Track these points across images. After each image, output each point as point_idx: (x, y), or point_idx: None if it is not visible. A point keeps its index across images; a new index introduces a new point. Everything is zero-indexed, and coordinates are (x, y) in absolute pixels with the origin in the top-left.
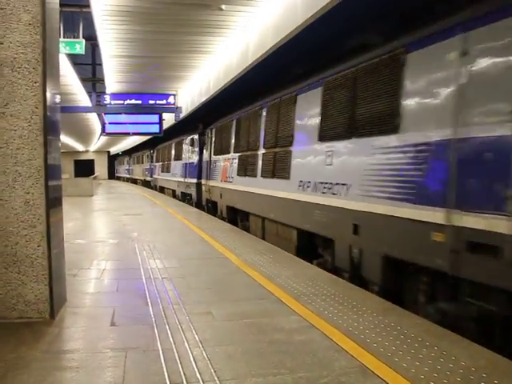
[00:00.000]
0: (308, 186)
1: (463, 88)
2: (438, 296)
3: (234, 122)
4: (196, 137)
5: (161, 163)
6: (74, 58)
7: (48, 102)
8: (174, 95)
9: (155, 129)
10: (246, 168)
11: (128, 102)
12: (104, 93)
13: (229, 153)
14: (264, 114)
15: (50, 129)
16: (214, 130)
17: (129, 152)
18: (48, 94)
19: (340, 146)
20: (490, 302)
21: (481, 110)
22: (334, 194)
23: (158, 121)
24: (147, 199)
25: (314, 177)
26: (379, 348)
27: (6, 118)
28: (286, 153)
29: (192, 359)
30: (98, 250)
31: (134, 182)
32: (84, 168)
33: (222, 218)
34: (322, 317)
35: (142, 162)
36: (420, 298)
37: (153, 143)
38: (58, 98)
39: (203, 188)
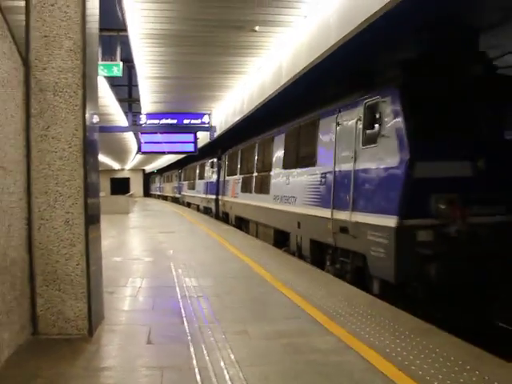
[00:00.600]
0: (278, 199)
1: (337, 143)
2: (334, 259)
3: (239, 152)
4: (215, 160)
5: (187, 182)
6: (111, 80)
7: (87, 124)
8: (209, 114)
9: (190, 147)
10: (246, 186)
11: (163, 121)
12: (140, 113)
13: (236, 174)
14: (256, 147)
15: (88, 150)
16: (226, 156)
17: (162, 171)
18: (87, 116)
19: (292, 172)
20: (348, 258)
21: (340, 156)
22: (289, 203)
23: (192, 140)
24: (180, 216)
25: (281, 192)
26: (418, 371)
27: (48, 141)
28: (267, 176)
29: (228, 379)
30: (134, 268)
31: (165, 198)
32: (120, 186)
33: (233, 225)
34: (359, 337)
35: (172, 181)
36: (327, 262)
37: (181, 163)
38: (96, 119)
39: (220, 202)
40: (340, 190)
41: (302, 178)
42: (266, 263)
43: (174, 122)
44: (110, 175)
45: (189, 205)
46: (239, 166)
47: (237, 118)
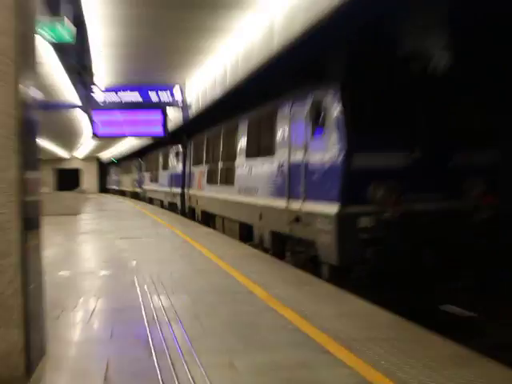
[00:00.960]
0: (242, 190)
1: (291, 134)
2: (292, 249)
3: (205, 139)
4: (180, 148)
5: (149, 173)
6: (58, 44)
7: (23, 99)
8: (181, 87)
9: (157, 129)
10: (212, 177)
11: (124, 96)
12: (94, 85)
13: (201, 164)
14: (222, 134)
15: (25, 133)
16: (192, 143)
17: (123, 160)
18: (22, 89)
19: (254, 161)
20: (302, 246)
21: (294, 146)
22: (251, 194)
23: (160, 120)
24: (144, 216)
25: (245, 183)
26: None
27: None
28: (232, 165)
29: None
30: (87, 285)
31: (122, 193)
32: (68, 179)
33: (199, 222)
34: (380, 370)
35: (131, 172)
36: (286, 253)
37: (144, 152)
38: (36, 93)
39: (186, 197)
40: (294, 180)
41: (263, 168)
42: (254, 274)
43: (138, 97)
44: (56, 166)
45: (151, 201)
46: (205, 155)
47: (217, 92)
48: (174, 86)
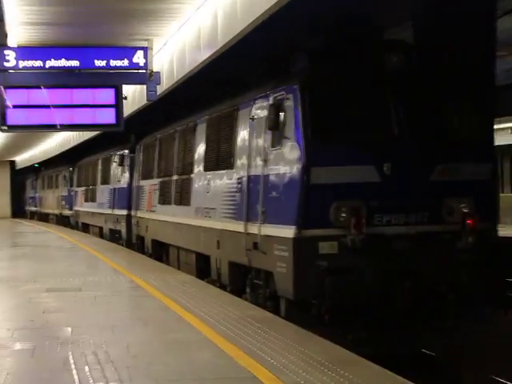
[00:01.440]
0: (200, 211)
1: (251, 141)
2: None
3: (157, 142)
4: (126, 153)
5: (84, 189)
6: None
7: None
8: (145, 49)
9: (108, 117)
10: (164, 195)
11: (53, 63)
12: (4, 46)
13: (153, 177)
14: (177, 137)
15: None
16: (141, 147)
17: (47, 167)
18: None
19: (212, 175)
20: (261, 279)
21: (254, 158)
22: (209, 217)
23: (113, 100)
24: (87, 255)
25: (202, 202)
26: None
27: None
28: (188, 179)
29: None
30: None
31: (44, 218)
32: None
33: (150, 255)
34: None
35: (57, 187)
36: (246, 289)
37: (75, 156)
38: None
39: (133, 221)
40: (253, 199)
41: (221, 184)
42: (257, 346)
43: (76, 64)
44: None
45: (86, 228)
46: (156, 165)
47: (206, 55)
48: (135, 51)
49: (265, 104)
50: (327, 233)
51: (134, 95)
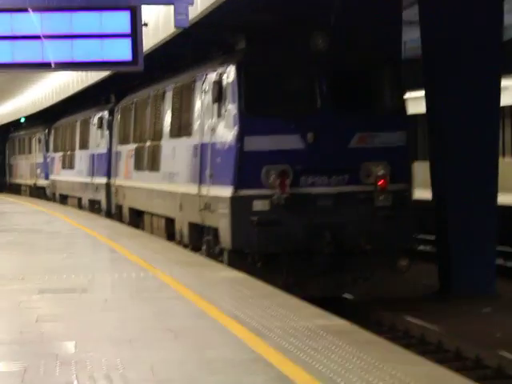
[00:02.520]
0: (167, 177)
1: (203, 111)
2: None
3: (133, 105)
4: (106, 114)
5: (61, 154)
6: None
7: None
8: None
9: (120, 51)
10: (139, 161)
11: None
12: None
13: (129, 142)
14: (150, 102)
15: None
16: (119, 109)
17: (21, 126)
18: None
19: (176, 141)
20: (211, 235)
21: (204, 126)
22: (174, 181)
23: (127, 28)
24: (99, 244)
25: (168, 168)
26: None
27: None
28: (158, 146)
29: None
30: None
31: (17, 189)
32: None
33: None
34: None
35: (30, 152)
36: (203, 245)
37: (53, 112)
38: None
39: (112, 189)
40: (204, 164)
41: (182, 150)
42: (332, 369)
43: None
44: None
45: (64, 200)
46: (132, 130)
47: None
48: None
49: (212, 78)
50: (260, 193)
51: (158, 21)
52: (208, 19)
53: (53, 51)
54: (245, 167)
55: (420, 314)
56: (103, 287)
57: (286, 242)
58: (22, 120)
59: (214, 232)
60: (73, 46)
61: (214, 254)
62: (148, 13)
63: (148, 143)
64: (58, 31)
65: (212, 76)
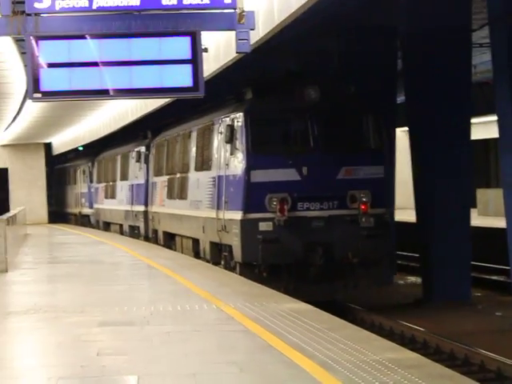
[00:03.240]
0: (193, 204)
1: (219, 149)
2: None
3: (167, 142)
4: (143, 149)
5: (104, 185)
6: None
7: None
8: None
9: (181, 77)
10: (171, 190)
11: (103, 2)
12: None
13: (163, 174)
14: (179, 140)
15: None
16: (155, 145)
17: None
18: None
19: (199, 174)
20: (227, 251)
21: (220, 161)
22: (198, 208)
23: (188, 54)
24: (159, 275)
25: (194, 196)
26: None
27: None
28: (186, 177)
29: None
30: None
31: (62, 217)
32: None
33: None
34: None
35: (74, 183)
36: (221, 262)
37: (98, 144)
38: None
39: (149, 216)
40: (220, 193)
41: (204, 181)
42: None
43: (136, 3)
44: None
45: (107, 227)
46: (165, 164)
47: None
48: None
49: (226, 122)
50: (264, 216)
51: (218, 46)
52: (269, 44)
53: (111, 78)
54: (251, 195)
55: (406, 318)
56: (165, 319)
57: (285, 255)
58: (80, 148)
59: (229, 248)
60: (131, 73)
61: (230, 267)
62: (208, 38)
63: (178, 175)
64: (116, 58)
65: (226, 120)
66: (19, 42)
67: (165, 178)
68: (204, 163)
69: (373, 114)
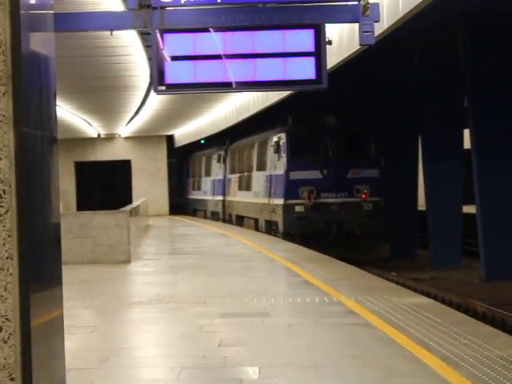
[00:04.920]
0: (256, 194)
1: (269, 157)
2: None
3: (237, 149)
4: (222, 153)
5: (192, 180)
6: None
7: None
8: None
9: (304, 70)
10: (241, 184)
11: None
12: None
13: (235, 173)
14: (247, 148)
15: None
16: (230, 151)
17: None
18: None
19: (258, 173)
20: (274, 225)
21: (270, 165)
22: (257, 197)
23: (311, 46)
24: (280, 267)
25: (256, 189)
26: None
27: None
28: (250, 176)
29: None
30: None
31: (190, 211)
32: (104, 186)
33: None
34: None
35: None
36: (272, 232)
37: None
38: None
39: (225, 203)
40: (270, 186)
41: (261, 178)
42: None
43: None
44: (77, 156)
45: (194, 213)
46: (237, 164)
47: None
48: None
49: (275, 139)
50: (298, 202)
51: (341, 38)
52: (393, 36)
53: (234, 71)
54: (290, 188)
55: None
56: (286, 312)
57: (312, 228)
58: (202, 141)
59: (276, 224)
60: (255, 66)
61: (277, 235)
62: (331, 30)
63: (245, 174)
64: (240, 50)
65: (274, 137)
66: (143, 35)
67: (236, 175)
68: (261, 165)
69: (372, 134)
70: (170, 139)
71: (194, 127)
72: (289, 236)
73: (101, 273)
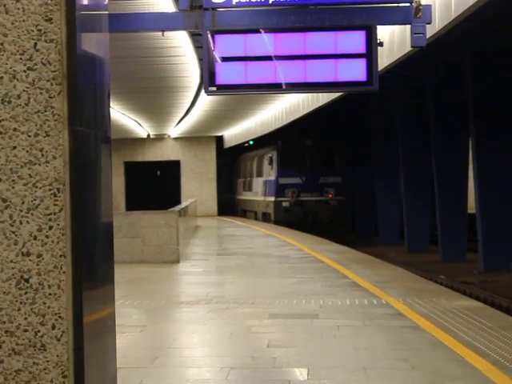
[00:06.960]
0: (256, 193)
1: (264, 166)
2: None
3: (248, 158)
4: (275, 154)
5: (243, 179)
6: None
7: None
8: None
9: (355, 71)
10: (249, 186)
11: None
12: None
13: (240, 177)
14: (255, 159)
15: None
16: (238, 160)
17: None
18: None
19: (257, 179)
20: (268, 216)
21: (265, 172)
22: (257, 195)
23: (363, 48)
24: (328, 269)
25: (256, 189)
26: None
27: None
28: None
29: None
30: None
31: (240, 214)
32: (154, 186)
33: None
34: None
35: (261, 175)
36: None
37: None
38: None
39: (235, 201)
40: (264, 187)
41: (259, 182)
42: None
43: None
44: (127, 156)
45: (244, 213)
46: (242, 171)
47: None
48: None
49: (269, 155)
50: (285, 199)
51: (392, 40)
52: (445, 38)
53: (284, 72)
54: (279, 189)
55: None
56: (335, 313)
57: (295, 218)
58: (251, 142)
59: (269, 215)
60: (306, 67)
61: (269, 223)
62: (382, 32)
63: (248, 178)
64: (291, 52)
65: (269, 153)
66: (194, 36)
67: (242, 179)
68: (260, 173)
69: (336, 152)
70: (219, 140)
71: (242, 128)
72: (278, 223)
73: (150, 272)
